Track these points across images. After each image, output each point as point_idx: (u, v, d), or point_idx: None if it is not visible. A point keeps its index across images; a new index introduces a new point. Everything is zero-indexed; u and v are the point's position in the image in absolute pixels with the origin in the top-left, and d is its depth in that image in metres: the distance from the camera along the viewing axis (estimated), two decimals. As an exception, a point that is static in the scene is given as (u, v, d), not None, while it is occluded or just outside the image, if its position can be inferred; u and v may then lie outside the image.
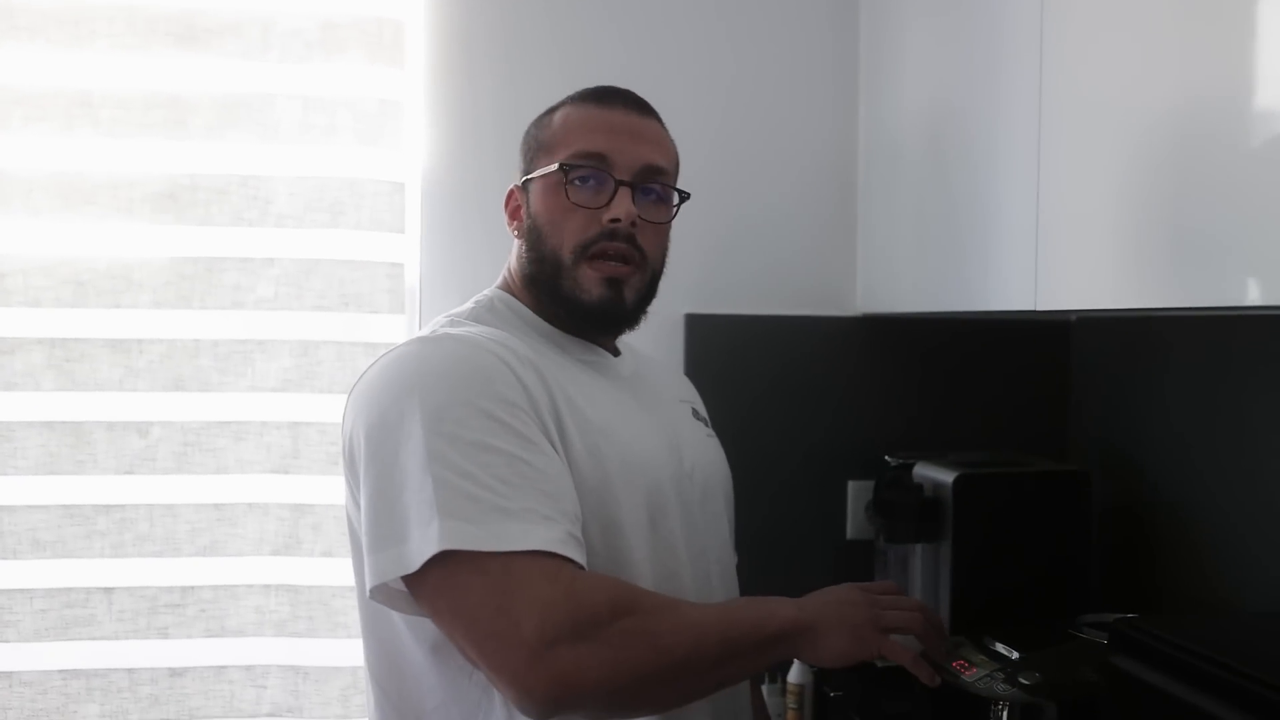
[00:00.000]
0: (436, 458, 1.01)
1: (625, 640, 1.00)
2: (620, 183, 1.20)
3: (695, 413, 1.38)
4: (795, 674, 1.83)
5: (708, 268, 1.93)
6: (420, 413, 1.03)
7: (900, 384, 2.00)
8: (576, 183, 1.20)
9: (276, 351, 1.80)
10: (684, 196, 1.27)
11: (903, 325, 1.98)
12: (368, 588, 1.05)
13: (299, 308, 1.80)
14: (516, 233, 1.28)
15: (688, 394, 1.43)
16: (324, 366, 1.80)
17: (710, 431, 1.38)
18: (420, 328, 1.79)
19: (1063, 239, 1.38)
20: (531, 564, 0.99)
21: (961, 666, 1.47)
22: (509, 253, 1.30)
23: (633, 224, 1.19)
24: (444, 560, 0.99)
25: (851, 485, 1.98)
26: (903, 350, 2.00)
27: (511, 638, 0.97)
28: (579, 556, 1.03)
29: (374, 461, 1.06)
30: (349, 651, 1.79)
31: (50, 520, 1.75)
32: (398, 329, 1.83)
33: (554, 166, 1.21)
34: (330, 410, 1.78)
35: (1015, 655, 1.44)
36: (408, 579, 1.02)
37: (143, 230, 1.76)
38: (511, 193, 1.29)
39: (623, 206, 1.19)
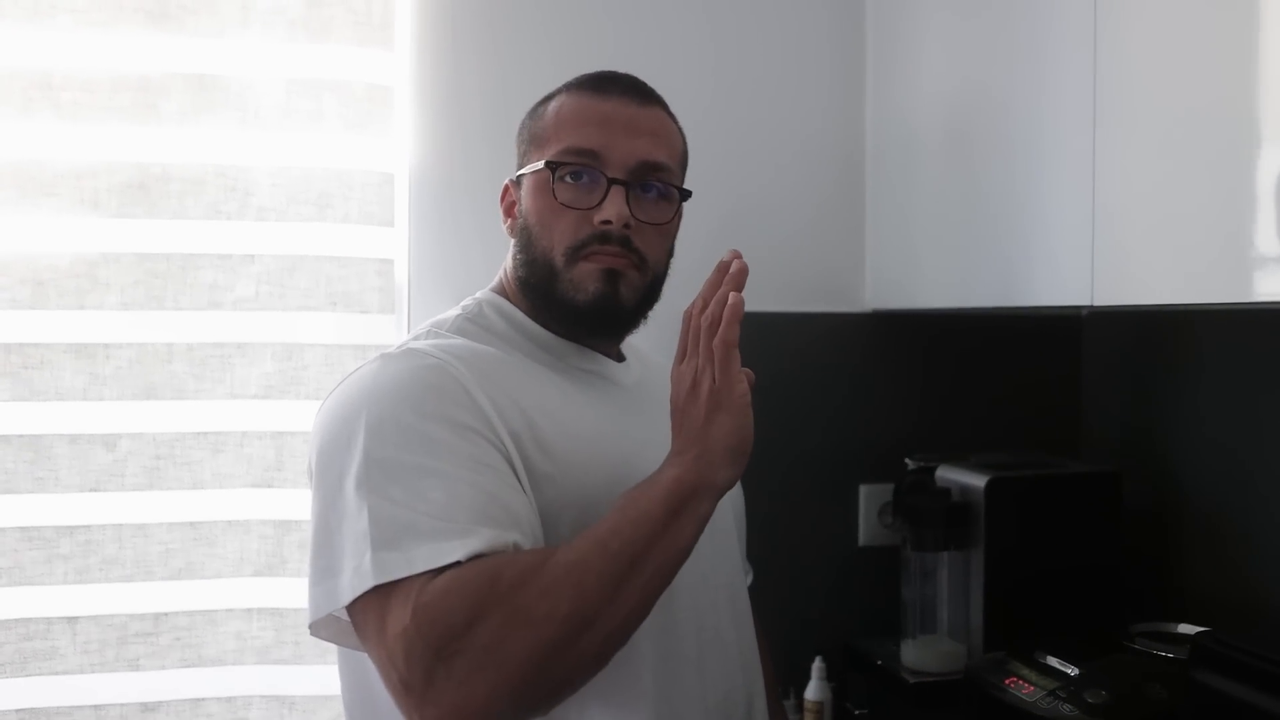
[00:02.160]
0: (372, 488, 0.95)
1: (496, 636, 0.89)
2: (613, 181, 1.11)
3: None
4: (814, 690, 1.75)
5: (706, 262, 1.82)
6: (364, 437, 0.98)
7: (910, 383, 1.93)
8: (567, 180, 1.12)
9: (258, 355, 1.65)
10: (684, 195, 1.18)
11: (915, 321, 1.91)
12: (307, 624, 0.99)
13: (282, 308, 1.66)
14: (510, 231, 1.20)
15: None
16: (309, 371, 1.67)
17: None
18: (410, 329, 1.69)
19: (1122, 232, 1.31)
20: (400, 590, 0.91)
21: (1015, 684, 1.40)
22: (506, 250, 1.21)
23: (626, 226, 1.11)
24: (368, 596, 0.92)
25: (864, 489, 1.91)
26: (914, 347, 1.93)
27: (397, 685, 0.91)
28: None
29: (318, 490, 1.01)
30: (338, 679, 1.66)
31: (6, 544, 1.58)
32: (388, 330, 1.70)
33: (541, 164, 1.12)
34: (317, 419, 1.64)
35: (1073, 671, 1.37)
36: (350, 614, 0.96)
37: (109, 224, 1.60)
38: (507, 188, 1.21)
39: (614, 208, 1.10)
